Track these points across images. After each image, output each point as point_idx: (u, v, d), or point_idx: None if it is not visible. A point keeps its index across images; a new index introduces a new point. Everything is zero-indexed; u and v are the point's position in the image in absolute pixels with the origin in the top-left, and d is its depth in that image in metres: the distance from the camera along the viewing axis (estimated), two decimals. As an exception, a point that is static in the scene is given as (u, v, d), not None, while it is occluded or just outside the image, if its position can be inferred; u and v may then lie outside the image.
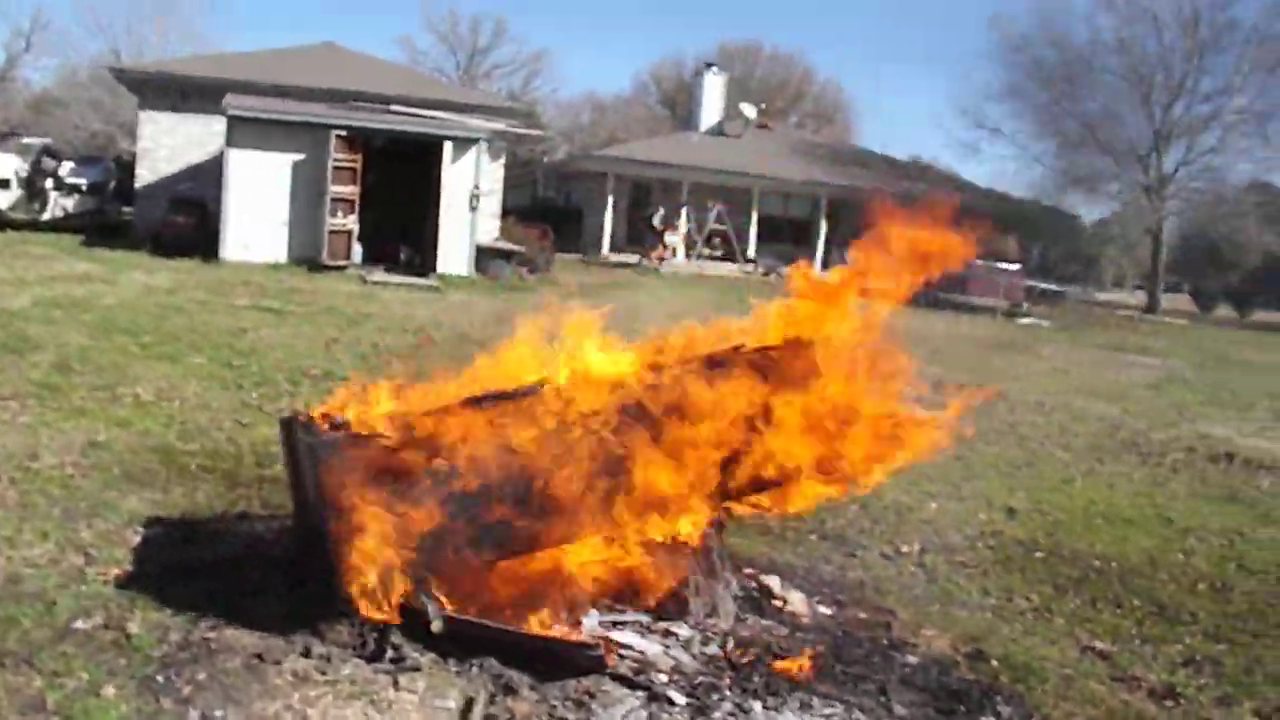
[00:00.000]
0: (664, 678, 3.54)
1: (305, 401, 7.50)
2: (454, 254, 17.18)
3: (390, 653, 3.53)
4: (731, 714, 3.39)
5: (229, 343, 9.34)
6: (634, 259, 25.41)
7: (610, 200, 27.53)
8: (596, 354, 3.90)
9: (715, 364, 3.99)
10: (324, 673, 3.42)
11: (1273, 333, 28.59)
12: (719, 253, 26.71)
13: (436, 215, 16.82)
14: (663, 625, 3.88)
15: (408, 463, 3.54)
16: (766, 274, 25.89)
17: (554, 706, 3.37)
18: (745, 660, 3.71)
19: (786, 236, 29.20)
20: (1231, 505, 7.73)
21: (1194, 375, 16.29)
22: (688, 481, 3.85)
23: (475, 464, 3.57)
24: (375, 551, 3.47)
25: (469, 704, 3.29)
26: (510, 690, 3.42)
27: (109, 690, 3.21)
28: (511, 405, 3.63)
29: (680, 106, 44.86)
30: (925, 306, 23.55)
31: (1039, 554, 6.00)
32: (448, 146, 16.77)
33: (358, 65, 22.61)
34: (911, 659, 4.11)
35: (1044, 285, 27.87)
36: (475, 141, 17.28)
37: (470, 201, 17.32)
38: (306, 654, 3.52)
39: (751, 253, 27.16)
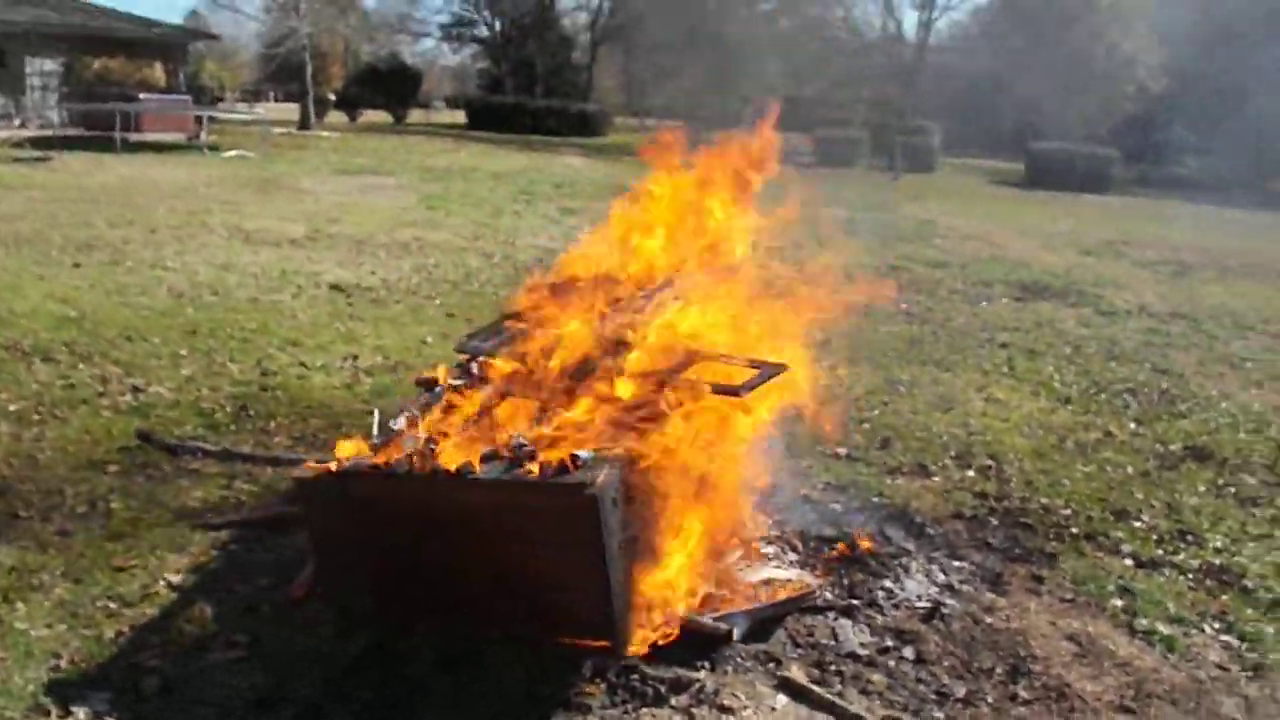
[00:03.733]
0: (829, 594, 3.80)
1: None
2: None
3: (663, 687, 3.12)
4: (888, 592, 3.87)
5: None
6: None
7: None
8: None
9: None
10: (655, 743, 2.92)
11: (432, 134, 31.93)
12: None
13: None
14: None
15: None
16: None
17: (807, 656, 3.43)
18: (838, 553, 4.11)
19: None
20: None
21: (440, 188, 17.98)
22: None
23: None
24: (659, 587, 3.00)
25: (797, 689, 3.20)
26: (777, 661, 3.36)
27: None
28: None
29: None
30: (126, 151, 20.75)
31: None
32: None
33: None
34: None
35: (206, 112, 26.63)
36: None
37: None
38: (608, 737, 2.91)
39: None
